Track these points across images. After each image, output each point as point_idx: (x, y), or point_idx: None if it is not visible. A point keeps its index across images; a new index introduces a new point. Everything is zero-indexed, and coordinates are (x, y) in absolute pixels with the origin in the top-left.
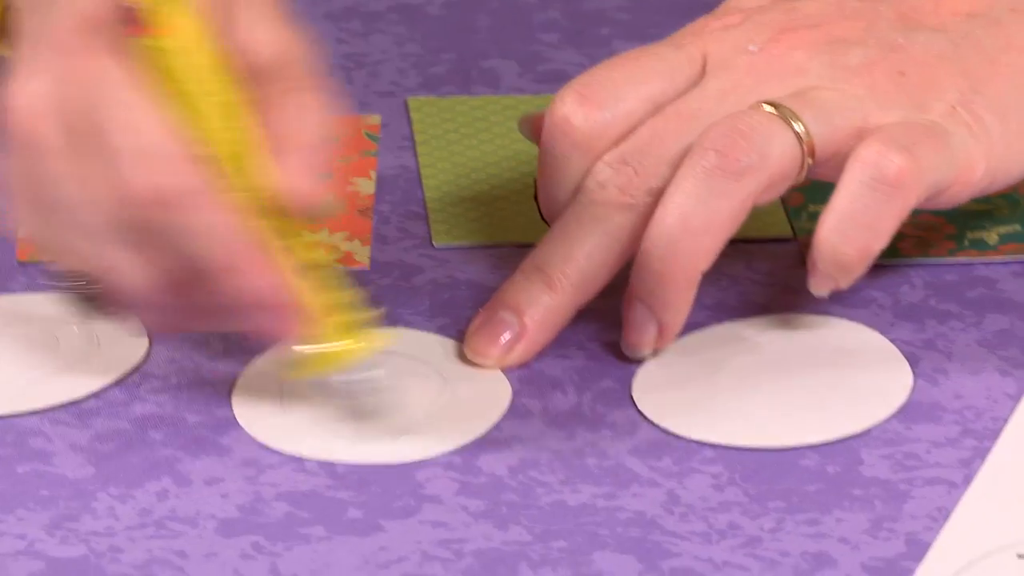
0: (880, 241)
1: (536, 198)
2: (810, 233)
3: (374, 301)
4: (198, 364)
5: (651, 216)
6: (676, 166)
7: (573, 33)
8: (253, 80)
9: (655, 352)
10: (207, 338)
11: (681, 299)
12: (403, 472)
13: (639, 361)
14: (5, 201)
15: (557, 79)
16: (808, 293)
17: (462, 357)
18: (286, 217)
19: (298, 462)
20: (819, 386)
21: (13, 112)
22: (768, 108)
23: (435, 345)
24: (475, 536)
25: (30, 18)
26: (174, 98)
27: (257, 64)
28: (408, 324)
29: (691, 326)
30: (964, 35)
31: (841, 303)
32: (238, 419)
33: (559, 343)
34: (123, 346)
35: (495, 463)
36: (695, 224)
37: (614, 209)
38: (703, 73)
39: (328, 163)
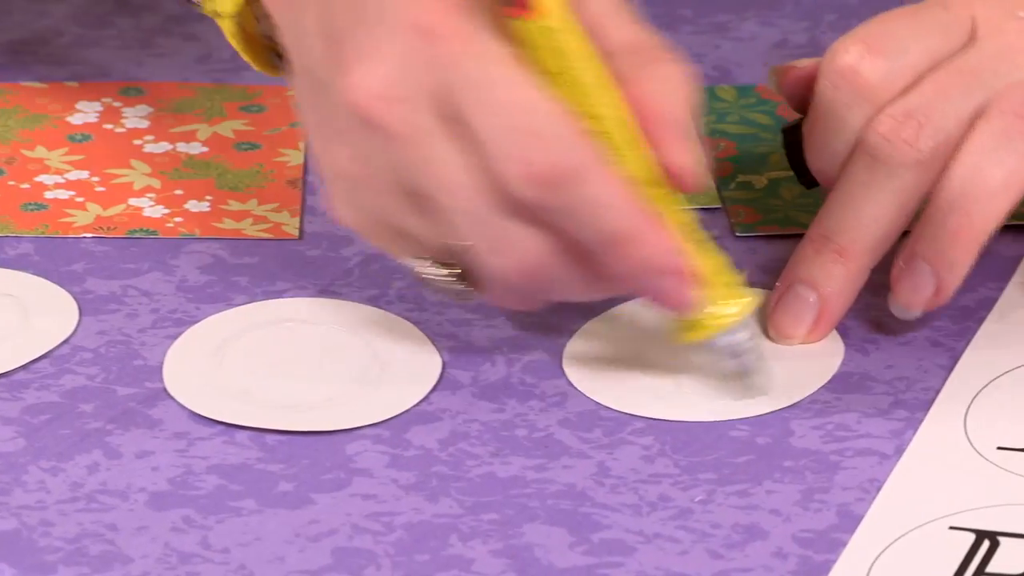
0: None
1: (790, 157)
2: (738, 203)
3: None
4: (128, 337)
5: (938, 171)
6: (962, 121)
7: None
8: (606, 58)
9: (923, 313)
10: (137, 310)
11: (967, 258)
12: (333, 445)
13: (567, 337)
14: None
15: None
16: (738, 264)
17: (392, 328)
18: (661, 187)
19: (229, 435)
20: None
21: (360, 98)
22: None
23: (365, 316)
24: (405, 509)
25: (347, 9)
26: (550, 75)
27: (608, 43)
28: (338, 295)
29: (625, 300)
30: None
31: (771, 273)
32: (169, 392)
33: (488, 314)
34: (52, 319)
35: (425, 435)
36: (992, 183)
37: (901, 165)
38: (972, 35)
39: (696, 134)
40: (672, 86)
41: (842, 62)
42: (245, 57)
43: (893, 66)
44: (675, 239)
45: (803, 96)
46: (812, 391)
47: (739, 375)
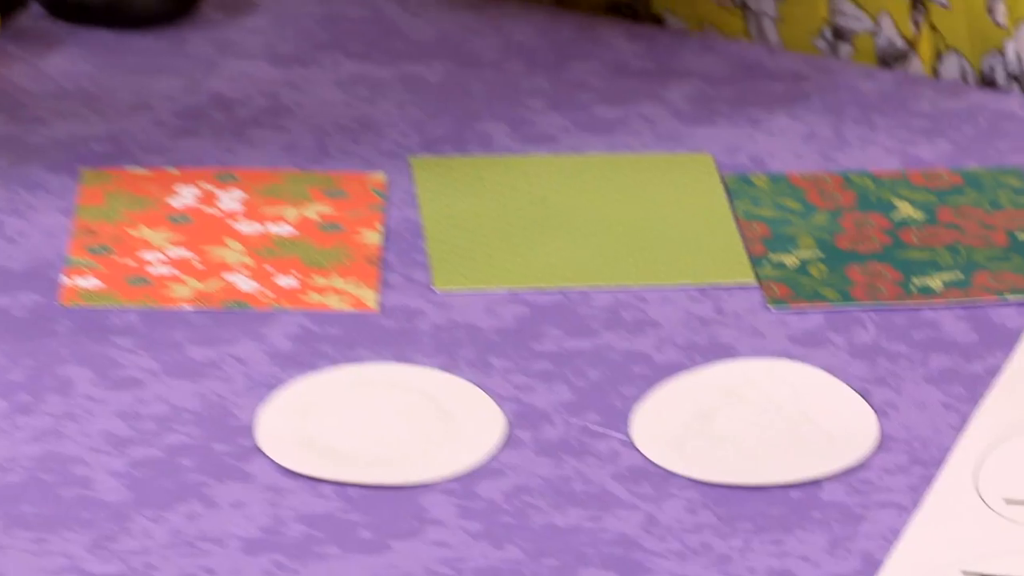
0: None
1: None
2: (771, 280)
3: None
4: (224, 398)
5: None
6: None
7: (557, 99)
8: None
9: None
10: (232, 375)
11: None
12: (408, 498)
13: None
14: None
15: (543, 140)
16: (771, 335)
17: (461, 392)
18: None
19: (315, 487)
20: (790, 430)
21: None
22: None
23: (437, 381)
24: (474, 555)
25: None
26: None
27: None
28: (412, 362)
29: (671, 366)
30: None
31: (801, 344)
32: (261, 448)
33: (548, 379)
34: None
35: (491, 489)
36: None
37: None
38: None
39: None
40: None
41: None
42: None
43: None
44: None
45: None
46: (849, 464)
47: None
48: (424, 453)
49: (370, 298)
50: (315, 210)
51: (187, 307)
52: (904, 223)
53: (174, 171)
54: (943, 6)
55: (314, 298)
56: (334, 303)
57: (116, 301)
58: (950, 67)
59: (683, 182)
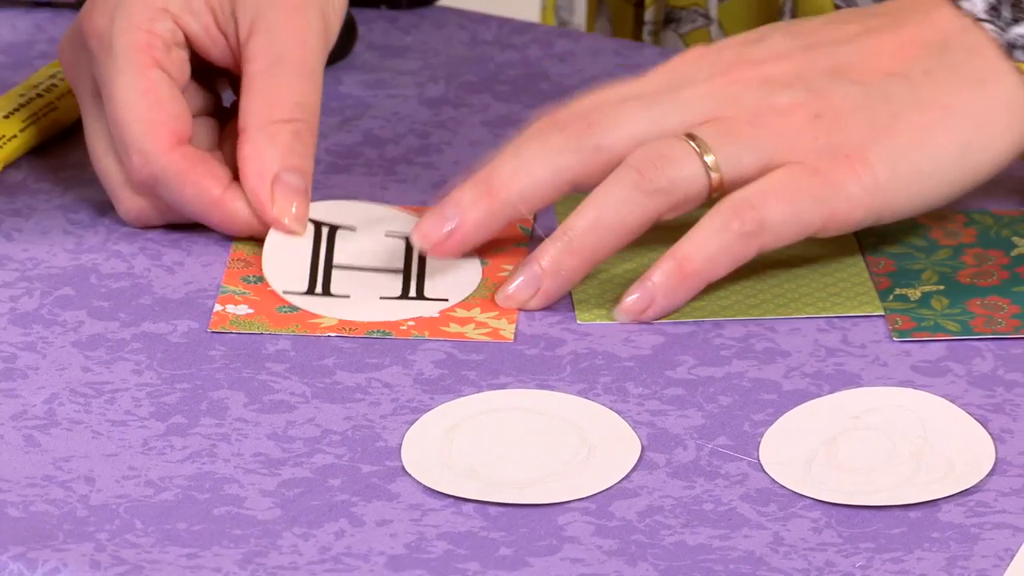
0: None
1: None
2: (896, 312)
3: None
4: (371, 422)
5: (592, 163)
6: (622, 133)
7: None
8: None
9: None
10: (379, 399)
11: (573, 278)
12: (546, 516)
13: (758, 429)
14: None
15: None
16: (894, 364)
17: (598, 417)
18: None
19: (457, 507)
20: (911, 454)
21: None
22: (690, 141)
23: (575, 406)
24: (608, 572)
25: None
26: None
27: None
28: (552, 388)
29: (799, 394)
30: (880, 91)
31: (923, 373)
32: (406, 469)
33: (681, 405)
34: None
35: (626, 509)
36: (606, 223)
37: (562, 151)
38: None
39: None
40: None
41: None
42: None
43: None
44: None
45: None
46: (972, 483)
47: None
48: (562, 474)
49: (507, 330)
50: None
51: (332, 335)
52: (1022, 259)
53: None
54: None
55: (454, 328)
56: (472, 334)
57: (266, 328)
58: None
59: None
